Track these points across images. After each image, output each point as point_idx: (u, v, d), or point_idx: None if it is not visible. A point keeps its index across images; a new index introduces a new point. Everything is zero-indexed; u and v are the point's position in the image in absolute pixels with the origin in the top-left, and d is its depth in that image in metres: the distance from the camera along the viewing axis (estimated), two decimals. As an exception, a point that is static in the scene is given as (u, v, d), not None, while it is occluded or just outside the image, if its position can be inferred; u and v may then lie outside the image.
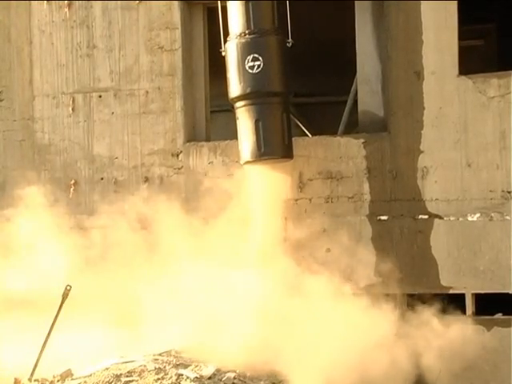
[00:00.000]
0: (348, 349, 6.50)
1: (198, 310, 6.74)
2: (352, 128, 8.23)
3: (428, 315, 6.97)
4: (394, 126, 7.48)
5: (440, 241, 7.33)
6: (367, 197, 7.54)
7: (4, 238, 7.43)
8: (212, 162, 7.90)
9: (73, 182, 8.17)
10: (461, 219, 7.29)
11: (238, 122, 7.46)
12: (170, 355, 6.41)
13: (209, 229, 7.38)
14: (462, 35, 7.34)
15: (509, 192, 7.19)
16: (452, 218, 7.31)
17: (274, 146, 7.34)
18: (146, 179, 8.01)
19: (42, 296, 6.95)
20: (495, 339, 7.00)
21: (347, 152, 7.60)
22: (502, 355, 7.00)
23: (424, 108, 7.37)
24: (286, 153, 7.43)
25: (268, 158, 7.35)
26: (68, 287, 6.71)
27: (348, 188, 7.58)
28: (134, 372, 6.03)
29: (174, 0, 7.98)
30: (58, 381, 6.31)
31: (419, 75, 7.37)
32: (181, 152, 8.00)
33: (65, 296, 6.68)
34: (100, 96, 8.20)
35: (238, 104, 7.38)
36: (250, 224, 7.54)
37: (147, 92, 8.07)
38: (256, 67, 7.21)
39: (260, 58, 7.20)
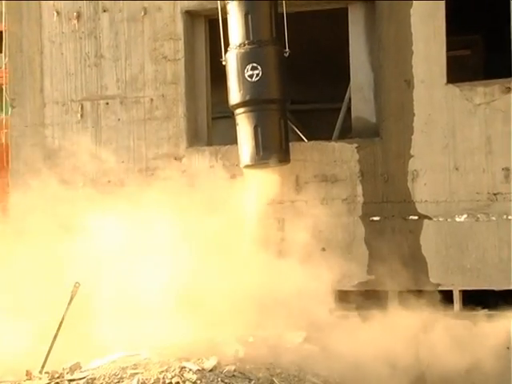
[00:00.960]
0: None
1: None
2: (346, 133, 8.25)
3: (417, 311, 6.97)
4: (386, 131, 7.50)
5: (429, 240, 7.34)
6: (360, 199, 7.55)
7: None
8: (213, 166, 7.91)
9: (81, 184, 8.16)
10: (449, 220, 7.30)
11: (237, 127, 7.48)
12: (174, 348, 6.39)
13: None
14: (450, 46, 7.36)
15: (494, 194, 7.20)
16: (440, 219, 7.32)
17: (272, 151, 7.36)
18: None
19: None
20: (480, 333, 6.98)
21: (341, 156, 7.61)
22: (487, 349, 6.96)
23: (414, 114, 7.39)
24: (284, 157, 7.45)
25: (266, 162, 7.36)
26: (77, 284, 6.69)
27: (342, 190, 7.59)
28: (140, 364, 6.03)
29: (177, 7, 7.98)
30: (67, 373, 6.30)
31: (409, 84, 7.39)
32: (184, 156, 8.01)
33: (74, 293, 6.66)
34: (107, 103, 8.21)
35: (238, 111, 7.41)
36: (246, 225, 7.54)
37: (152, 99, 8.08)
38: (255, 76, 7.23)
39: (259, 67, 7.21)
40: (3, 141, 9.33)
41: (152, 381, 5.73)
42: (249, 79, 7.24)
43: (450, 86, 7.31)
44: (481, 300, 7.26)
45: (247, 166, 7.48)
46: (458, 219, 7.30)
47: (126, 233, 7.14)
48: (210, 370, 5.90)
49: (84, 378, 5.98)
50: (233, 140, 7.66)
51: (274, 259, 7.19)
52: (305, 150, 7.74)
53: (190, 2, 7.98)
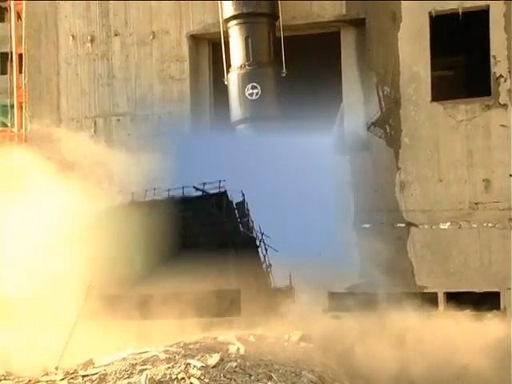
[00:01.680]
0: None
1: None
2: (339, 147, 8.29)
3: (405, 311, 7.00)
4: (376, 145, 7.55)
5: (415, 246, 7.43)
6: (352, 207, 7.60)
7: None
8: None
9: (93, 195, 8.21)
10: (433, 227, 7.41)
11: (238, 141, 7.59)
12: (179, 346, 6.43)
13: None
14: (434, 67, 7.45)
15: (475, 203, 7.32)
16: (426, 226, 7.42)
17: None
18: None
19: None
20: (463, 331, 7.02)
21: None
22: (471, 346, 6.99)
23: (401, 130, 7.48)
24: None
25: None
26: (90, 286, 6.69)
27: (336, 199, 7.63)
28: (148, 361, 6.09)
29: (183, 31, 8.09)
30: (81, 369, 6.32)
31: (397, 102, 7.45)
32: (188, 168, 8.07)
33: (88, 292, 6.65)
34: (118, 120, 8.32)
35: (239, 127, 7.48)
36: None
37: (159, 116, 8.15)
38: (254, 94, 7.35)
39: (258, 87, 7.36)
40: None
41: (159, 376, 5.80)
42: (249, 97, 7.39)
43: (435, 103, 7.48)
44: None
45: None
46: (442, 227, 7.40)
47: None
48: (213, 367, 5.93)
49: (97, 373, 6.02)
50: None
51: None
52: (301, 163, 7.81)
53: (194, 26, 8.10)
